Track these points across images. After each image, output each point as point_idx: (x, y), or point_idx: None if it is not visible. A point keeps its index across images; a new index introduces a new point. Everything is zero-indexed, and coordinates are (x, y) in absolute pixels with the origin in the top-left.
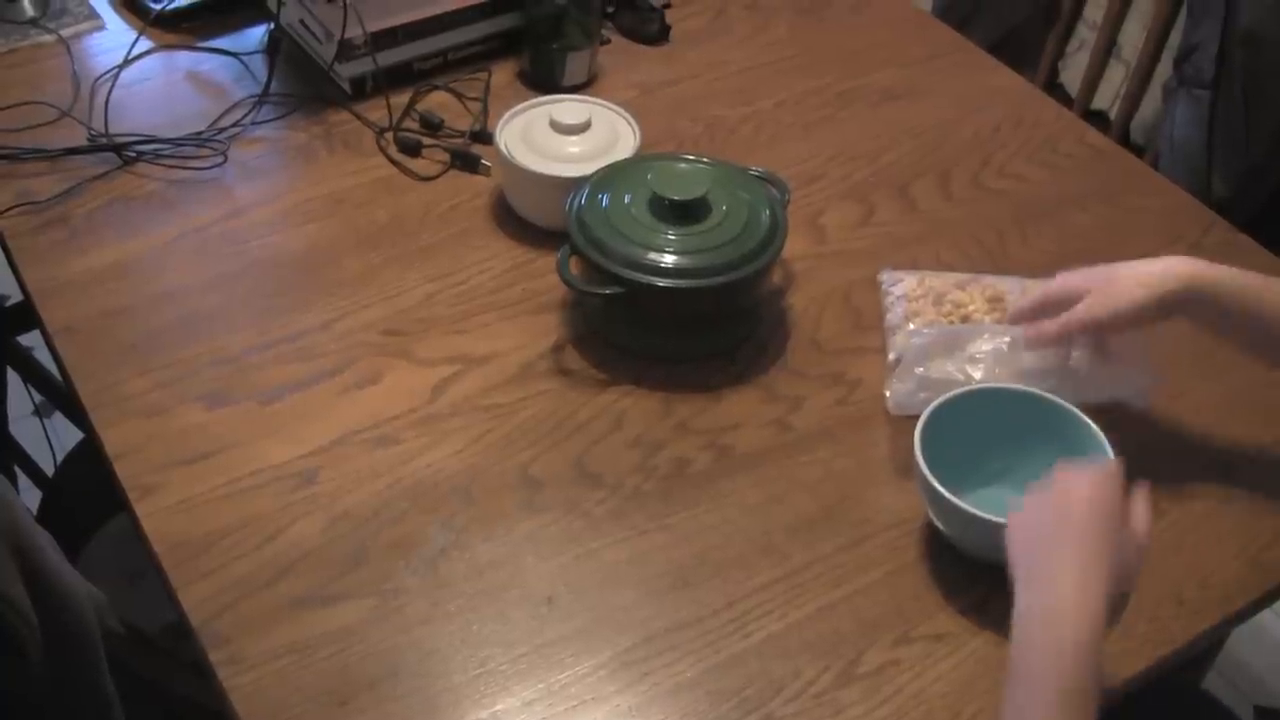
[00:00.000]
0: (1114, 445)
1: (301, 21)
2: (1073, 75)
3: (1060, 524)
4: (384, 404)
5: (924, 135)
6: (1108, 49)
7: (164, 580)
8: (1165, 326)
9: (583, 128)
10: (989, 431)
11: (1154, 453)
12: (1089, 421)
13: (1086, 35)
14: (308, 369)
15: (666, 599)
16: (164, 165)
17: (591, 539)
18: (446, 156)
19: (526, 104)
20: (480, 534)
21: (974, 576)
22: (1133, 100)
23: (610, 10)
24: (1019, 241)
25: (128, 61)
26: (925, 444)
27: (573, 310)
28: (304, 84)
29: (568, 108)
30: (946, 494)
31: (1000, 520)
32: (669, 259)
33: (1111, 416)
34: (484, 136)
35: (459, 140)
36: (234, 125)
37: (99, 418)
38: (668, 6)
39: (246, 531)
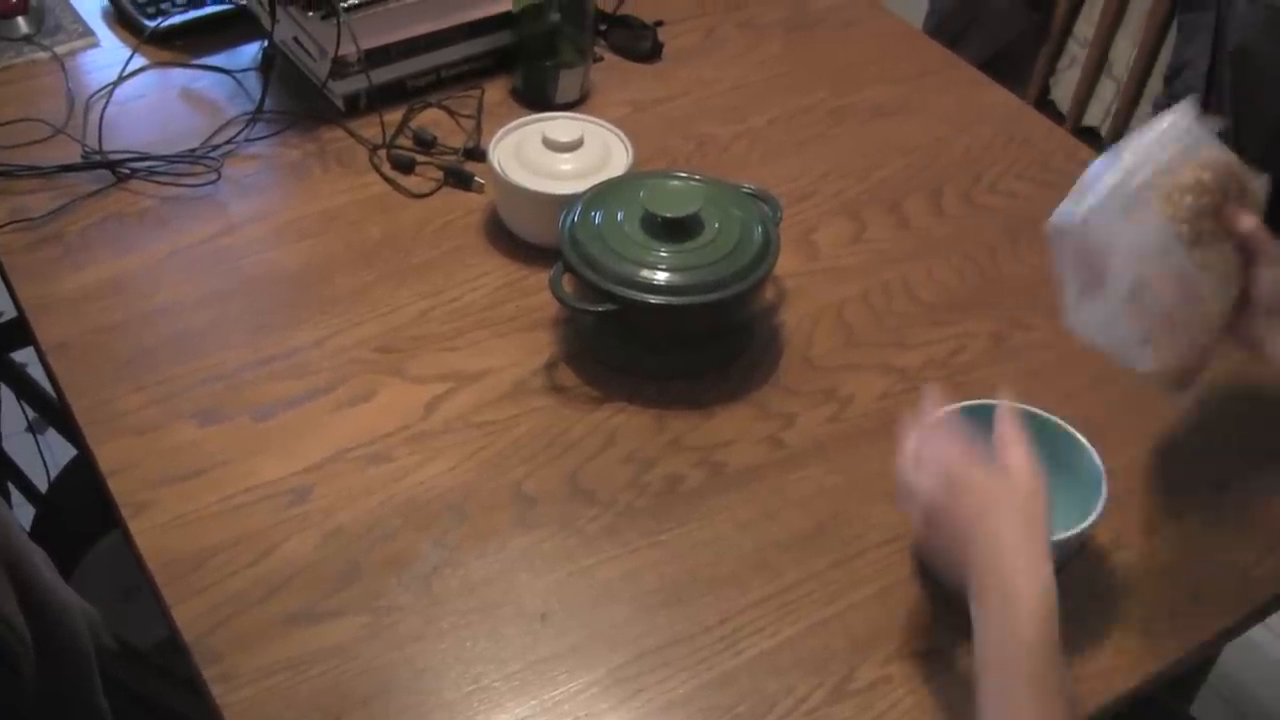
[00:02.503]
0: (1107, 460)
1: (295, 39)
2: (1064, 92)
3: (994, 504)
4: (377, 421)
5: (916, 152)
6: (1099, 66)
7: (157, 597)
8: None
9: (575, 145)
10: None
11: (1147, 468)
12: (1080, 437)
13: (1077, 52)
14: (301, 386)
15: (659, 616)
16: (158, 182)
17: (584, 556)
18: (440, 174)
19: (519, 121)
20: (473, 551)
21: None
22: (1124, 117)
23: (603, 28)
24: (1011, 258)
25: (122, 79)
26: None
27: (566, 327)
28: (298, 101)
29: (560, 125)
30: None
31: None
32: (661, 276)
33: (1105, 433)
34: (477, 154)
35: (452, 157)
36: (228, 142)
37: (92, 434)
38: (660, 24)
39: (239, 548)
